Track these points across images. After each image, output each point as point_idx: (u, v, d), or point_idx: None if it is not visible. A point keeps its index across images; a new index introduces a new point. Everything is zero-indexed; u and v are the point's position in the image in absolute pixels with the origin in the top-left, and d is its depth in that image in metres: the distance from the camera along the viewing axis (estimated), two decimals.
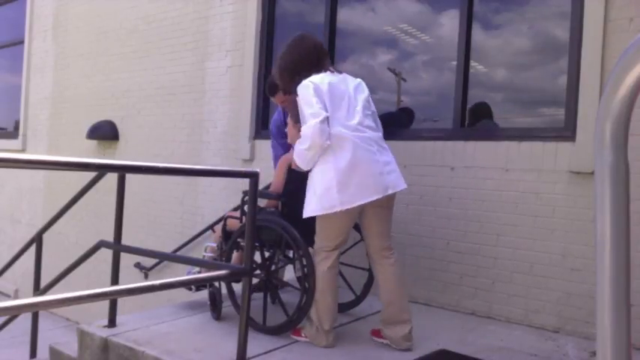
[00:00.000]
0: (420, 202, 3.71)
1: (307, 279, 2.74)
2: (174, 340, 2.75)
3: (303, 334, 2.79)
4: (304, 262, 2.76)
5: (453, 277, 3.56)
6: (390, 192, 2.65)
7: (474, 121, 3.69)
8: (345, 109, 2.68)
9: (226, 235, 3.25)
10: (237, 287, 3.20)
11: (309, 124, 2.60)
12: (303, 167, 2.76)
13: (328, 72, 2.80)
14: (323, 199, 2.59)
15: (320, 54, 2.86)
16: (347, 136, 2.60)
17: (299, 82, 2.73)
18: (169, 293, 4.41)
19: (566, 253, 3.14)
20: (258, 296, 3.33)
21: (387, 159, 2.71)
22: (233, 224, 3.23)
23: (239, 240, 3.07)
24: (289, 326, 2.80)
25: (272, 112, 4.68)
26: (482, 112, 3.70)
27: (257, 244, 2.99)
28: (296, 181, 2.96)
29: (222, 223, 3.32)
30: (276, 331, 2.83)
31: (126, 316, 3.08)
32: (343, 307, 3.32)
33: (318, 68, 2.79)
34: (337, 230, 2.69)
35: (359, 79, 2.89)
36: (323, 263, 2.70)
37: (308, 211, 2.67)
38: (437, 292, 3.63)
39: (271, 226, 2.85)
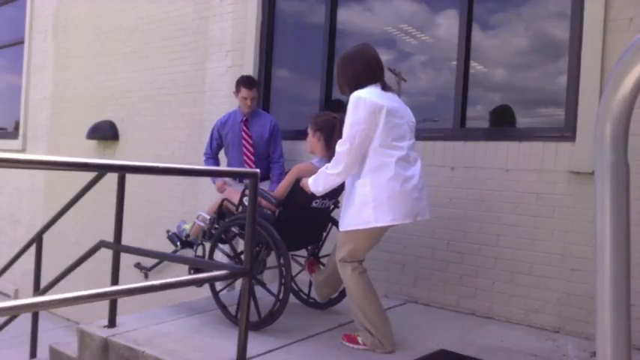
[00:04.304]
0: None
1: (284, 276, 2.80)
2: (174, 340, 2.75)
3: (360, 342, 2.71)
4: (282, 262, 2.82)
5: (453, 277, 3.56)
6: (418, 219, 2.67)
7: (496, 124, 3.66)
8: (398, 130, 2.62)
9: (220, 215, 3.31)
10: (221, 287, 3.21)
11: (347, 148, 2.56)
12: (319, 193, 2.76)
13: (382, 87, 2.69)
14: (360, 214, 2.59)
15: (378, 66, 2.75)
16: (392, 157, 2.57)
17: (354, 90, 2.64)
18: (169, 293, 4.41)
19: (566, 253, 3.14)
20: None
21: (421, 186, 2.70)
22: (228, 208, 3.32)
23: (233, 229, 3.13)
24: (271, 319, 2.84)
25: (272, 112, 4.68)
26: (504, 116, 3.65)
27: (240, 237, 3.10)
28: (299, 194, 2.97)
29: (219, 200, 3.39)
30: (257, 326, 2.86)
31: (126, 316, 3.08)
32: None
33: (373, 81, 2.68)
34: (366, 245, 2.71)
35: (405, 105, 2.81)
36: (354, 272, 2.68)
37: (344, 226, 2.68)
38: (437, 292, 3.63)
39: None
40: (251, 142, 4.10)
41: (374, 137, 2.57)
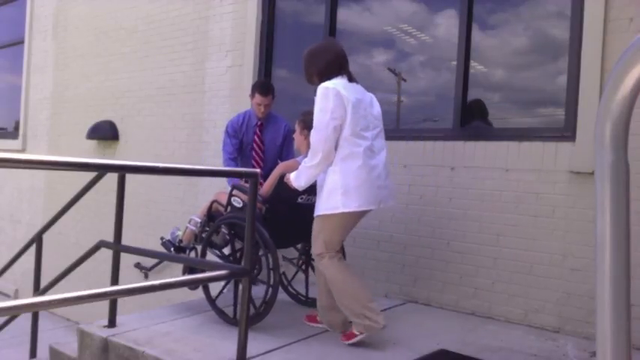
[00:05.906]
0: (420, 202, 3.71)
1: (272, 274, 2.84)
2: (174, 340, 2.75)
3: (357, 332, 2.73)
4: (270, 259, 2.86)
5: (453, 277, 3.56)
6: (381, 206, 2.79)
7: (469, 119, 3.68)
8: (363, 121, 2.73)
9: (209, 217, 3.36)
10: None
11: (322, 137, 2.64)
12: (302, 187, 2.82)
13: (347, 79, 2.81)
14: (329, 200, 2.69)
15: (345, 59, 2.88)
16: (360, 146, 2.68)
17: (320, 82, 2.76)
18: (169, 293, 4.41)
19: (566, 253, 3.14)
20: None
21: (385, 174, 2.81)
22: (217, 210, 3.38)
23: (222, 230, 3.18)
24: (257, 319, 2.86)
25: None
26: (477, 110, 3.68)
27: (229, 237, 3.16)
28: (284, 190, 3.00)
29: (209, 203, 3.45)
30: (254, 319, 2.85)
31: (126, 316, 3.08)
32: None
33: (340, 72, 2.81)
34: (338, 234, 2.77)
35: (371, 94, 2.93)
36: (332, 260, 2.74)
37: (316, 211, 2.77)
38: (437, 292, 3.63)
39: (243, 224, 2.88)
40: (262, 147, 4.01)
41: (344, 126, 2.66)
